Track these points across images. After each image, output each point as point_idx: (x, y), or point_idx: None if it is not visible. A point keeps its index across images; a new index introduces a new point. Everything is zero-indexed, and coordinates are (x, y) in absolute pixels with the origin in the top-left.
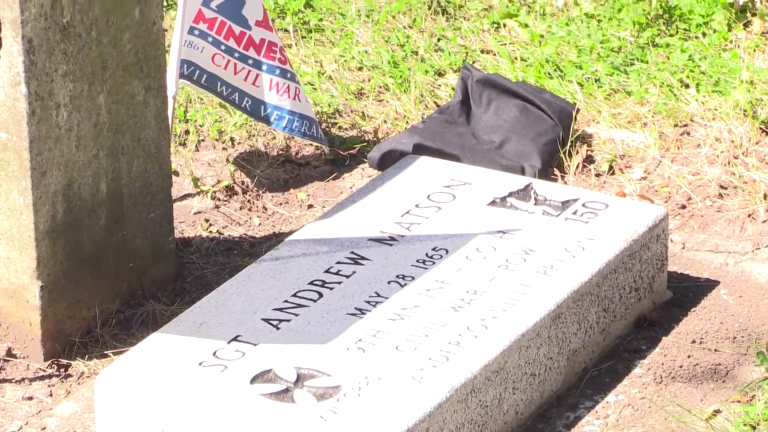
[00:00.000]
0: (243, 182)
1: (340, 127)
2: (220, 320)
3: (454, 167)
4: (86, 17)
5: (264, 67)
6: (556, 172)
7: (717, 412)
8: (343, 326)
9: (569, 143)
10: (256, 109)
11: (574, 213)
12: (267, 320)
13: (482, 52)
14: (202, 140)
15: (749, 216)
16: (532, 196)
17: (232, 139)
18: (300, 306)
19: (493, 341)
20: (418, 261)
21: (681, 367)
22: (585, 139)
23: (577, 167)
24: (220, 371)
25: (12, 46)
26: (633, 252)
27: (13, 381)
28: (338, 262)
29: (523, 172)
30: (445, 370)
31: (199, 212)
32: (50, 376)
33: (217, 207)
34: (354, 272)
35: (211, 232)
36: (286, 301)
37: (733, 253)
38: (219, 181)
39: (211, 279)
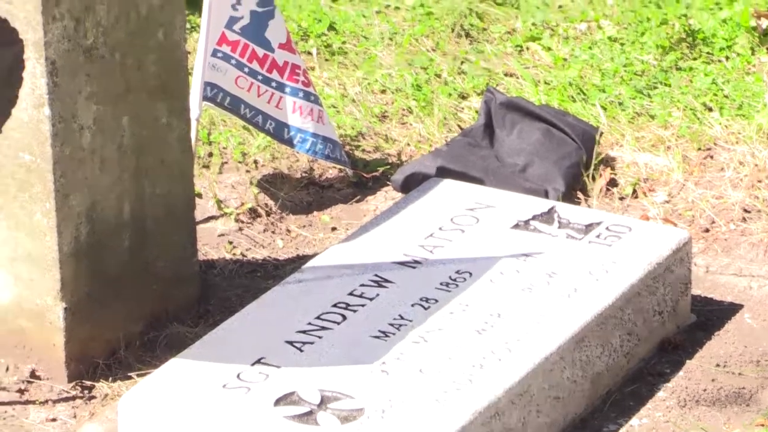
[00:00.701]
0: (266, 204)
1: (363, 150)
2: (244, 342)
3: (478, 190)
4: (110, 39)
5: (287, 90)
6: (580, 195)
7: None
8: (366, 349)
9: (593, 166)
10: (280, 132)
11: (598, 236)
12: (291, 342)
13: (505, 75)
14: (226, 162)
15: None
16: (556, 220)
17: (255, 162)
18: (324, 328)
19: (517, 364)
20: (441, 284)
21: (705, 390)
22: (608, 162)
23: (601, 190)
24: (244, 393)
25: (35, 68)
26: (657, 275)
27: (37, 402)
28: (362, 285)
29: (546, 195)
30: (468, 393)
31: (223, 234)
32: (74, 398)
33: (240, 229)
34: (377, 295)
35: (234, 254)
36: (309, 324)
37: (757, 277)
38: (242, 204)
39: (234, 301)
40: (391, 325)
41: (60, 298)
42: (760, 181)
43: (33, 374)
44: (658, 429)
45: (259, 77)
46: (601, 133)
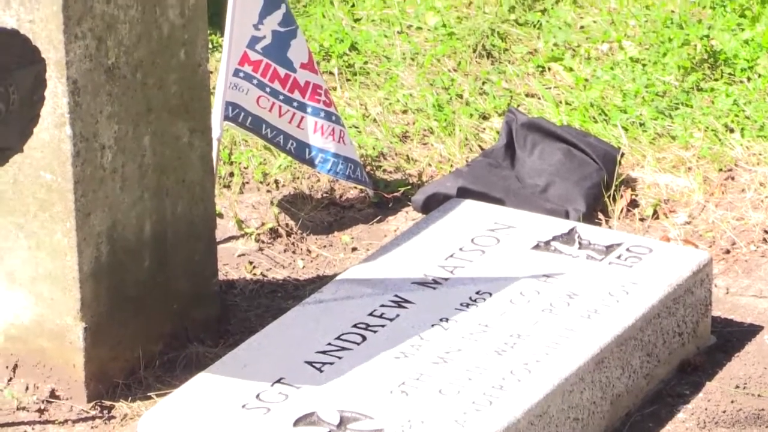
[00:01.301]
0: (287, 225)
1: (384, 170)
2: (264, 363)
3: (498, 211)
4: (131, 59)
5: (309, 110)
6: (600, 216)
7: None
8: (386, 369)
9: (613, 187)
10: (301, 152)
11: (618, 257)
12: (310, 363)
13: (527, 95)
14: (247, 182)
15: None
16: (576, 240)
17: (276, 182)
18: (343, 349)
19: (537, 385)
20: (461, 304)
21: (724, 412)
22: (629, 183)
23: (622, 211)
24: (263, 414)
25: (57, 87)
26: (677, 297)
27: (57, 422)
28: (382, 305)
29: (567, 215)
30: (488, 414)
31: (243, 254)
32: (93, 418)
33: (261, 249)
34: (397, 315)
35: (255, 274)
36: (329, 344)
37: None
38: (263, 224)
39: (254, 321)
40: (411, 345)
41: (80, 318)
42: None
43: (53, 394)
44: None
45: (281, 97)
46: (623, 154)
